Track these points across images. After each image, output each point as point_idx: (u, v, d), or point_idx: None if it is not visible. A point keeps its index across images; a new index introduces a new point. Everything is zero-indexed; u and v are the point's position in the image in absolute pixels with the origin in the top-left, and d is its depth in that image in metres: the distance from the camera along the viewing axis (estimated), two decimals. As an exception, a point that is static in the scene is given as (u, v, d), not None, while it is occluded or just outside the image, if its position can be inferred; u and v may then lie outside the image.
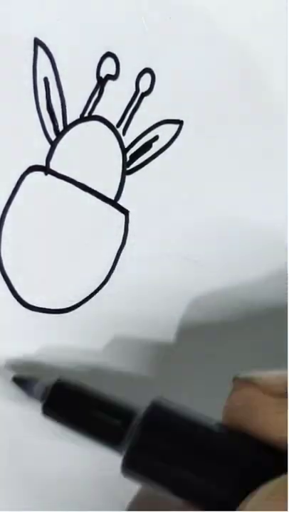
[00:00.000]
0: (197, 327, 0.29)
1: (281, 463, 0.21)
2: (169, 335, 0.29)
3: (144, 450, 0.22)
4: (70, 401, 0.25)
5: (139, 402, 0.24)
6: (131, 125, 0.27)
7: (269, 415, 0.21)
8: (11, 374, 0.26)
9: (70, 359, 0.27)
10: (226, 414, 0.22)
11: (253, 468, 0.21)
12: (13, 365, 0.26)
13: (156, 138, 0.27)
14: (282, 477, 0.20)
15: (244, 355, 0.29)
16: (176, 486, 0.22)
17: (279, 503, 0.19)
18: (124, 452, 0.23)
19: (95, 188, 0.27)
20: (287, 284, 0.30)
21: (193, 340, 0.29)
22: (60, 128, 0.26)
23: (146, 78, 0.27)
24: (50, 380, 0.25)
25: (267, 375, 0.22)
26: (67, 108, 0.26)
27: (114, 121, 0.27)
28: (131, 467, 0.23)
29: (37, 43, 0.25)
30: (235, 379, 0.22)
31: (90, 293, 0.27)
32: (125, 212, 0.27)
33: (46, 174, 0.26)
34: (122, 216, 0.27)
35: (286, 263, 0.30)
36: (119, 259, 0.28)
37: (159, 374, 0.29)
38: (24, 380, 0.26)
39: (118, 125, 0.27)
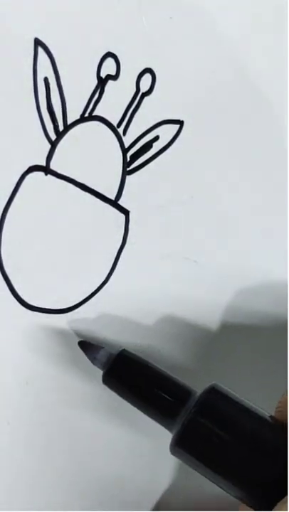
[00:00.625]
0: (197, 327, 0.29)
1: None
2: (169, 335, 0.29)
3: (196, 430, 0.23)
4: (131, 372, 0.25)
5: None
6: (131, 125, 0.27)
7: None
8: (76, 339, 0.26)
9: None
10: (279, 409, 0.23)
11: None
12: (77, 330, 0.27)
13: (156, 138, 0.27)
14: None
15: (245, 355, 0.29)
16: (220, 470, 0.22)
17: None
18: (176, 430, 0.23)
19: (95, 188, 0.27)
20: (287, 283, 0.29)
21: (193, 340, 0.29)
22: (61, 128, 0.26)
23: (146, 78, 0.27)
24: (114, 349, 0.26)
25: None
26: (67, 108, 0.26)
27: (114, 122, 0.27)
28: (180, 445, 0.23)
29: (37, 43, 0.25)
30: None
31: (90, 293, 0.27)
32: (125, 212, 0.27)
33: (46, 174, 0.26)
34: (123, 216, 0.27)
35: (286, 263, 0.29)
36: (120, 259, 0.27)
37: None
38: (90, 345, 0.26)
39: (118, 125, 0.27)
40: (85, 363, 0.27)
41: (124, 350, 0.26)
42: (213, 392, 0.24)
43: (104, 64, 0.26)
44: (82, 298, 0.27)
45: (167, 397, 0.24)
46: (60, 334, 0.27)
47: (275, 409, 0.24)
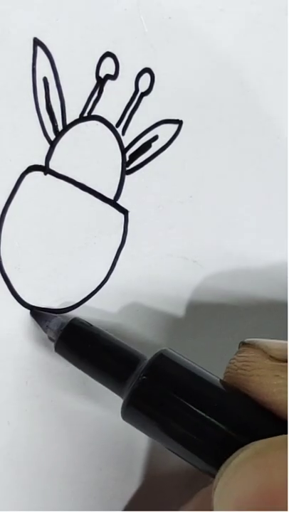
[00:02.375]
0: (197, 326, 0.29)
1: (272, 424, 0.21)
2: (168, 334, 0.29)
3: (145, 395, 0.23)
4: (82, 339, 0.25)
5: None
6: (130, 125, 0.27)
7: (265, 377, 0.22)
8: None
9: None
10: (228, 371, 0.23)
11: (246, 426, 0.22)
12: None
13: (155, 138, 0.27)
14: (271, 438, 0.20)
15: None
16: (171, 434, 0.22)
17: (263, 461, 0.19)
18: (126, 394, 0.23)
19: (94, 188, 0.27)
20: (287, 283, 0.30)
21: (193, 339, 0.29)
22: (60, 128, 0.26)
23: (145, 78, 0.27)
24: (66, 317, 0.26)
25: (270, 341, 0.23)
26: (66, 108, 0.26)
27: (113, 121, 0.27)
28: (129, 408, 0.23)
29: (36, 42, 0.25)
30: (241, 343, 0.23)
31: (89, 293, 0.27)
32: (125, 212, 0.27)
33: (46, 174, 0.26)
34: (122, 216, 0.27)
35: (286, 263, 0.30)
36: (119, 259, 0.28)
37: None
38: (42, 314, 0.26)
39: (117, 125, 0.27)
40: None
41: (75, 318, 0.26)
42: (162, 356, 0.24)
43: (103, 64, 0.26)
44: (81, 298, 0.27)
45: (117, 363, 0.24)
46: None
47: (223, 374, 0.24)
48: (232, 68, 0.27)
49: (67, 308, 0.27)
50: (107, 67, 0.26)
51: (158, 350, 0.24)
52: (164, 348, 0.24)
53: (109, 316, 0.27)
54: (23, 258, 0.26)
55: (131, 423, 0.24)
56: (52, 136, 0.26)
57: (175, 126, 0.27)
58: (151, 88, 0.27)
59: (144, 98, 0.27)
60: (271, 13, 0.27)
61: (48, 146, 0.26)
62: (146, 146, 0.27)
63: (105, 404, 0.28)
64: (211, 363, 0.29)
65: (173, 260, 0.28)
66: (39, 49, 0.25)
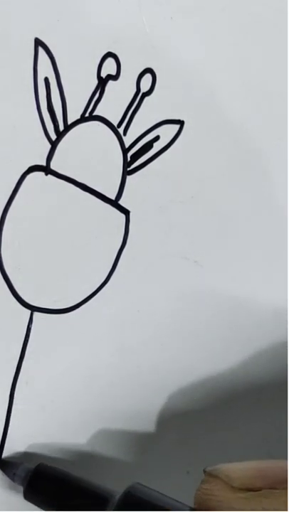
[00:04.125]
0: (197, 326, 0.29)
1: None
2: (168, 335, 0.29)
3: None
4: (49, 486, 0.25)
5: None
6: (132, 125, 0.27)
7: (231, 509, 0.22)
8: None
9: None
10: (196, 502, 0.23)
11: None
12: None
13: (157, 138, 0.27)
14: None
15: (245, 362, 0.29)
16: None
17: None
18: None
19: (95, 188, 0.27)
20: (287, 283, 0.29)
21: (193, 339, 0.29)
22: (61, 128, 0.26)
23: (147, 78, 0.27)
24: (32, 464, 0.26)
25: (232, 468, 0.23)
26: (67, 108, 0.26)
27: (115, 122, 0.27)
28: None
29: (37, 43, 0.25)
30: (205, 471, 0.24)
31: (90, 293, 0.27)
32: (126, 212, 0.27)
33: (47, 174, 0.26)
34: (123, 216, 0.27)
35: (286, 263, 0.29)
36: (120, 260, 0.27)
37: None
38: (8, 463, 0.26)
39: (119, 125, 0.27)
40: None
41: (40, 464, 0.26)
42: (129, 494, 0.24)
43: (104, 64, 0.26)
44: (82, 298, 0.27)
45: (86, 506, 0.25)
46: (60, 334, 0.27)
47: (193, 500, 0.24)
48: (233, 68, 0.27)
49: (67, 308, 0.27)
50: (109, 67, 0.26)
51: (125, 487, 0.24)
52: (131, 485, 0.24)
53: (108, 315, 0.27)
54: (23, 258, 0.26)
55: None
56: (53, 137, 0.26)
57: (176, 127, 0.27)
58: (153, 88, 0.27)
59: (146, 98, 0.27)
60: (271, 13, 0.27)
61: (49, 146, 0.26)
62: (148, 146, 0.27)
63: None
64: (211, 364, 0.29)
65: (174, 260, 0.28)
66: (40, 49, 0.25)
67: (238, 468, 0.23)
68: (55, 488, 0.25)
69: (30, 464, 0.26)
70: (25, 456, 0.27)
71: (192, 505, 0.24)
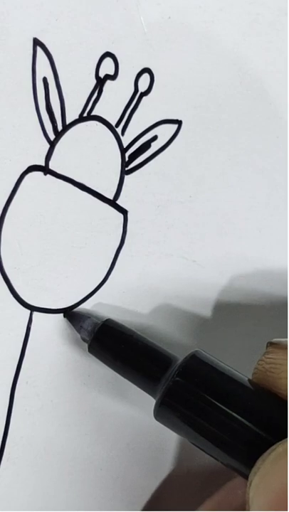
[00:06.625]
0: (196, 326, 0.29)
1: None
2: (168, 334, 0.29)
3: (177, 395, 0.23)
4: (115, 340, 0.26)
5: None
6: (130, 125, 0.27)
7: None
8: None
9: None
10: (256, 373, 0.24)
11: (276, 425, 0.22)
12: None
13: (155, 138, 0.27)
14: None
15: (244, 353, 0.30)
16: (202, 433, 0.23)
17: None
18: (159, 394, 0.24)
19: (93, 188, 0.27)
20: (287, 282, 0.30)
21: (193, 339, 0.29)
22: (59, 128, 0.26)
23: (145, 78, 0.27)
24: (99, 319, 0.26)
25: None
26: (66, 108, 0.26)
27: (113, 121, 0.27)
28: (163, 408, 0.24)
29: (36, 43, 0.25)
30: (270, 343, 0.24)
31: (88, 292, 0.27)
32: (124, 212, 0.27)
33: (45, 174, 0.26)
34: (121, 216, 0.27)
35: (286, 262, 0.30)
36: (118, 259, 0.28)
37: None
38: (75, 315, 0.26)
39: (117, 125, 0.27)
40: (85, 362, 0.27)
41: (108, 319, 0.26)
42: (193, 358, 0.24)
43: (102, 64, 0.26)
44: (81, 297, 0.27)
45: (150, 364, 0.25)
46: (60, 334, 0.27)
47: (252, 374, 0.24)
48: (232, 68, 0.28)
49: (66, 307, 0.27)
50: (107, 67, 0.26)
51: (191, 351, 0.24)
52: (196, 349, 0.25)
53: (108, 315, 0.27)
54: (23, 258, 0.26)
55: (163, 422, 0.24)
56: (52, 136, 0.26)
57: (174, 126, 0.27)
58: (151, 88, 0.27)
59: (144, 98, 0.27)
60: (271, 13, 0.27)
61: (48, 146, 0.26)
62: (146, 146, 0.27)
63: (105, 404, 0.28)
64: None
65: (172, 260, 0.28)
66: (39, 49, 0.25)
67: None
68: (120, 344, 0.26)
69: (96, 319, 0.26)
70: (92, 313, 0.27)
71: None
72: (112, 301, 0.28)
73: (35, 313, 0.26)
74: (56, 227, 0.26)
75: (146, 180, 0.27)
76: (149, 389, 0.25)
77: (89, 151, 0.26)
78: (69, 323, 0.27)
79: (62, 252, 0.26)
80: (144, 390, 0.25)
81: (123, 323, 0.26)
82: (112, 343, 0.26)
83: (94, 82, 0.26)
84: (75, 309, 0.27)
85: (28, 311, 0.26)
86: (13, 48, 0.25)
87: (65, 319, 0.27)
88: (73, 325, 0.26)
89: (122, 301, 0.28)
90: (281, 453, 0.21)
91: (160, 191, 0.28)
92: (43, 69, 0.25)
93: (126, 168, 0.27)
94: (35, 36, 0.25)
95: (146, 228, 0.28)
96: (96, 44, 0.26)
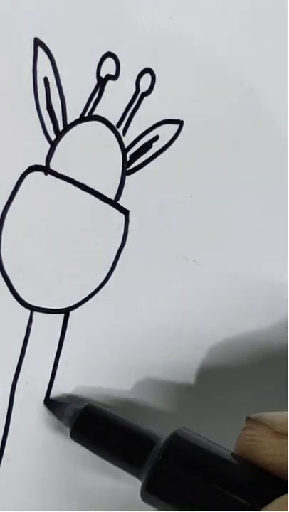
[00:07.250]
0: (196, 326, 0.29)
1: (281, 488, 0.22)
2: (167, 334, 0.29)
3: (163, 476, 0.24)
4: (96, 426, 0.26)
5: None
6: (131, 125, 0.27)
7: (273, 456, 0.23)
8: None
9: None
10: (238, 448, 0.24)
11: (260, 495, 0.22)
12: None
13: (156, 138, 0.27)
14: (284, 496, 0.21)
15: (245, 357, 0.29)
16: (191, 509, 0.23)
17: None
18: (144, 477, 0.24)
19: (94, 188, 0.27)
20: (287, 283, 0.30)
21: (193, 340, 0.29)
22: (60, 128, 0.26)
23: (146, 78, 0.27)
24: (79, 405, 0.26)
25: (274, 415, 0.24)
26: (67, 108, 0.26)
27: (114, 121, 0.27)
28: (150, 492, 0.24)
29: (37, 42, 0.25)
30: (248, 418, 0.24)
31: (89, 293, 0.27)
32: (125, 212, 0.27)
33: (46, 174, 0.26)
34: (122, 216, 0.27)
35: (286, 263, 0.30)
36: (119, 259, 0.28)
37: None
38: (55, 403, 0.27)
39: (118, 125, 0.27)
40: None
41: (88, 404, 0.26)
42: (175, 437, 0.24)
43: (103, 64, 0.26)
44: (81, 298, 0.27)
45: (133, 448, 0.25)
46: (60, 334, 0.27)
47: (234, 446, 0.24)
48: (232, 68, 0.28)
49: (67, 308, 0.27)
50: (108, 67, 0.26)
51: (173, 431, 0.24)
52: (178, 429, 0.25)
53: (108, 315, 0.27)
54: (23, 258, 0.26)
55: (151, 504, 0.24)
56: (52, 136, 0.26)
57: (176, 127, 0.27)
58: (152, 88, 0.27)
59: (145, 98, 0.27)
60: (271, 13, 0.27)
61: (49, 146, 0.26)
62: (147, 146, 0.27)
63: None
64: (210, 357, 0.29)
65: (173, 260, 0.28)
66: (40, 49, 0.25)
67: (282, 415, 0.24)
68: (102, 429, 0.26)
69: (76, 405, 0.26)
70: (72, 398, 0.27)
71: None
72: (112, 303, 0.27)
73: (35, 314, 0.26)
74: (57, 227, 0.26)
75: (147, 180, 0.27)
76: (134, 472, 0.25)
77: (90, 151, 0.26)
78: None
79: (63, 252, 0.26)
80: (130, 474, 0.25)
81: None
82: (92, 429, 0.26)
83: (95, 82, 0.26)
84: (55, 397, 0.27)
85: (28, 311, 0.26)
86: (14, 47, 0.25)
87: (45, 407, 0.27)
88: (53, 413, 0.27)
89: (122, 303, 0.28)
90: None
91: (161, 191, 0.28)
92: (44, 69, 0.25)
93: (127, 169, 0.27)
94: (36, 36, 0.25)
95: (147, 228, 0.28)
96: (97, 44, 0.26)
